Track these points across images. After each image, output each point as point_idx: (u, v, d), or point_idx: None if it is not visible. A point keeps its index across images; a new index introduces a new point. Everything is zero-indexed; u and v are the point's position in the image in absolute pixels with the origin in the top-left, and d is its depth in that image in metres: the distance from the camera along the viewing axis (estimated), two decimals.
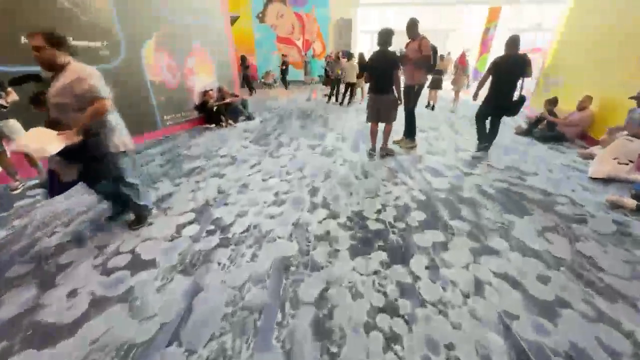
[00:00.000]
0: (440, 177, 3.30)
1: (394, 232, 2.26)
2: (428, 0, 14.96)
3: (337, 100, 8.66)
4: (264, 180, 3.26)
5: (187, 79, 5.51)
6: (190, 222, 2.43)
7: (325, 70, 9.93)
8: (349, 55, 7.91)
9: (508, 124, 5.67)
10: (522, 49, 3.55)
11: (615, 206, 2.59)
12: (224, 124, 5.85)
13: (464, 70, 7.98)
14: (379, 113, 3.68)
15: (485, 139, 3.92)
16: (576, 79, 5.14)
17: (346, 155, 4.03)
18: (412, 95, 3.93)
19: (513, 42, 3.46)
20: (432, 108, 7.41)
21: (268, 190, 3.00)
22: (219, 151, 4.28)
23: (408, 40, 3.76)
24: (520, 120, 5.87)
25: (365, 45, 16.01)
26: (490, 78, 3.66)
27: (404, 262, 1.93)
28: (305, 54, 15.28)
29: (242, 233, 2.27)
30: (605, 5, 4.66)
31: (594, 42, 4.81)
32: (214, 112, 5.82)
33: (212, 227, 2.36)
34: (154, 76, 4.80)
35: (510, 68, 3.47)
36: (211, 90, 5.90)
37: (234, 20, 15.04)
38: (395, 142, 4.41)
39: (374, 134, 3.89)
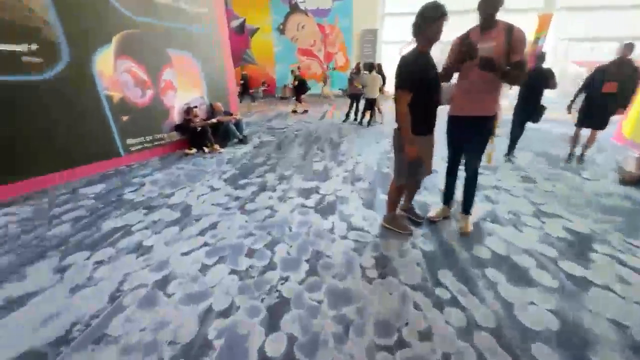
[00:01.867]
0: (528, 287, 1.72)
1: None
2: (463, 8, 13.34)
3: (355, 119, 7.29)
4: (202, 269, 1.90)
5: (164, 95, 4.45)
6: None
7: (298, 83, 8.96)
8: (370, 67, 6.58)
9: (604, 168, 3.87)
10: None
11: None
12: (207, 149, 4.68)
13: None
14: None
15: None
16: None
17: (354, 217, 2.57)
18: (485, 136, 2.08)
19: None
20: None
21: (195, 303, 1.62)
22: (173, 196, 3.02)
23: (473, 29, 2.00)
24: (617, 161, 4.06)
25: (391, 57, 14.60)
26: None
27: None
28: (327, 66, 14.26)
29: None
30: None
31: None
32: (198, 134, 4.68)
33: None
34: (113, 91, 3.75)
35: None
36: (196, 107, 4.80)
37: (252, 32, 14.53)
38: (431, 220, 2.46)
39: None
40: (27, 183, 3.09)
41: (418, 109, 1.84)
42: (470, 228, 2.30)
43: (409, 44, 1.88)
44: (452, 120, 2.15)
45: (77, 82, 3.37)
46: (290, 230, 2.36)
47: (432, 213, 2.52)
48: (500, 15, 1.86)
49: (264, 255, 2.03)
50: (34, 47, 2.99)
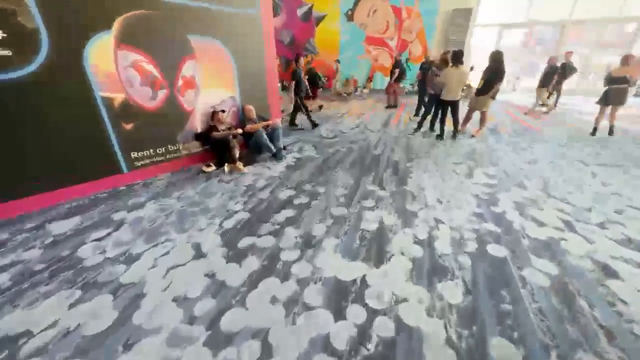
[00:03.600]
0: None
1: None
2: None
3: (432, 129, 5.39)
4: None
5: (184, 95, 3.51)
6: None
7: (309, 77, 7.28)
8: (455, 57, 4.53)
9: None
10: None
11: None
12: (227, 167, 3.62)
13: None
14: None
15: None
16: None
17: None
18: None
19: None
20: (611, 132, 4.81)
21: None
22: (138, 261, 1.97)
23: None
24: None
25: (485, 44, 11.60)
26: None
27: None
28: (400, 55, 12.09)
29: None
30: None
31: None
32: (220, 146, 3.66)
33: None
34: (112, 91, 2.92)
35: None
36: (223, 111, 3.77)
37: (319, 20, 13.29)
38: None
39: None
40: None
41: None
42: None
43: None
44: None
45: (62, 82, 2.59)
46: None
47: None
48: None
49: None
50: (1, 35, 2.24)
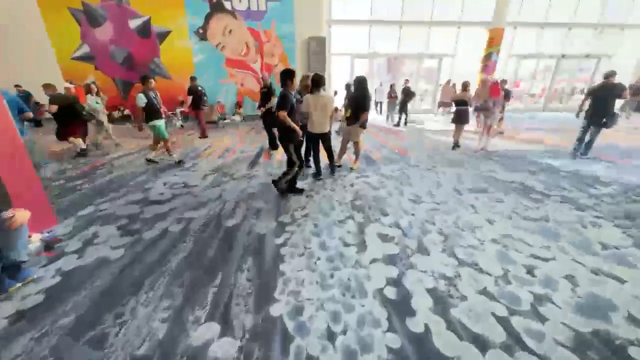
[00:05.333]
0: None
1: None
2: (416, 19, 11.93)
3: (306, 164, 4.45)
4: None
5: None
6: None
7: (74, 111, 5.21)
8: (314, 83, 3.74)
9: None
10: None
11: None
12: None
13: (498, 102, 5.52)
14: None
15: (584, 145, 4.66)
16: None
17: None
18: None
19: (611, 74, 4.32)
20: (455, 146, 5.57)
21: None
22: None
23: None
24: None
25: (341, 71, 12.51)
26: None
27: None
28: (269, 78, 11.33)
29: None
30: None
31: None
32: None
33: None
34: None
35: (605, 93, 4.33)
36: None
37: (163, 36, 10.92)
38: None
39: None
40: None
41: None
42: None
43: None
44: None
45: None
46: None
47: None
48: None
49: None
50: None
